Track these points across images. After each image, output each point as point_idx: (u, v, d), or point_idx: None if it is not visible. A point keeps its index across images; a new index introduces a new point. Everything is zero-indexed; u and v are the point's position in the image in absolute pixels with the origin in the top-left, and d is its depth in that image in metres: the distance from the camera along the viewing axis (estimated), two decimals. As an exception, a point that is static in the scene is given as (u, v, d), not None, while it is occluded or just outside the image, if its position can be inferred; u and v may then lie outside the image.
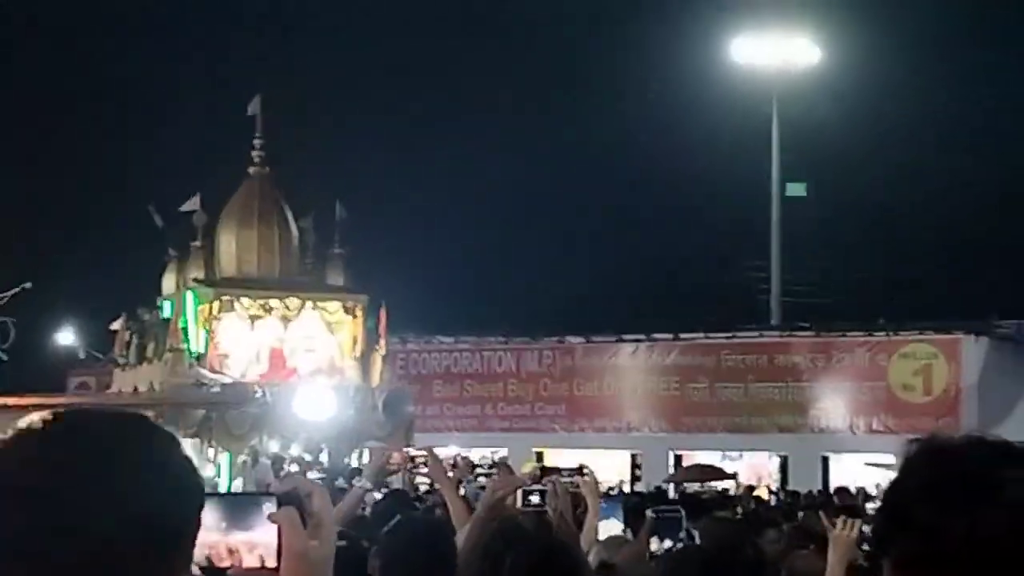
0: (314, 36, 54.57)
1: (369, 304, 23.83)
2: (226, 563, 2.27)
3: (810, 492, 26.68)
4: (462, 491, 10.88)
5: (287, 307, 23.06)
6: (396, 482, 20.53)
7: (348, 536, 6.52)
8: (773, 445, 36.74)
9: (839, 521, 6.50)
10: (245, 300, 22.97)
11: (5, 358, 25.85)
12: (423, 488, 21.52)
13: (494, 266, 48.42)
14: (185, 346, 22.12)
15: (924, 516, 2.13)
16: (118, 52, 53.41)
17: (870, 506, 19.73)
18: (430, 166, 51.33)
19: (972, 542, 2.09)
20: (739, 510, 18.48)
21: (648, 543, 8.02)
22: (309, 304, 23.29)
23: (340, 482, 15.56)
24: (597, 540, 7.84)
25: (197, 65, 52.36)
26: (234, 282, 23.58)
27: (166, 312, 23.65)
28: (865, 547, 7.39)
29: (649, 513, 8.38)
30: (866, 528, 6.65)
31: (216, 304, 22.58)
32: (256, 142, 25.00)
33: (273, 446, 20.93)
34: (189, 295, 22.79)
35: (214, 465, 20.13)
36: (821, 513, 8.07)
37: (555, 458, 35.59)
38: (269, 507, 2.16)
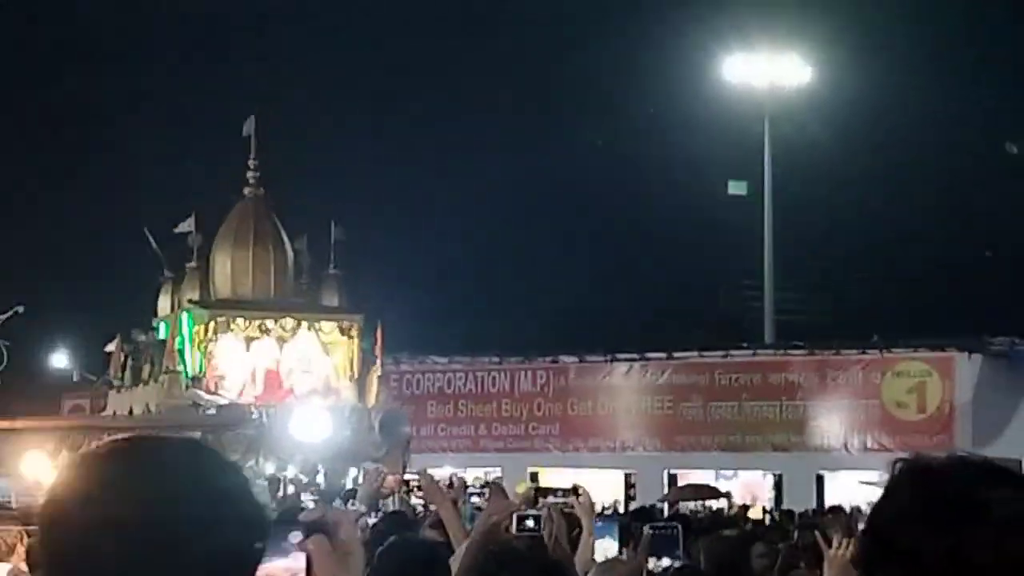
0: (307, 54, 54.61)
1: (365, 324, 23.87)
2: None
3: (805, 512, 26.67)
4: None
5: (283, 328, 23.12)
6: (391, 504, 20.54)
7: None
8: (767, 464, 36.74)
9: (834, 540, 6.54)
10: (241, 321, 23.04)
11: (-1, 382, 25.85)
12: (419, 509, 21.50)
13: (487, 286, 48.45)
14: (181, 368, 22.15)
15: (907, 539, 2.11)
16: (111, 74, 53.48)
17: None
18: (423, 187, 51.38)
19: (956, 563, 2.06)
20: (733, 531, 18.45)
21: (646, 561, 8.03)
22: (305, 325, 23.35)
23: (337, 503, 15.58)
24: (593, 560, 7.86)
25: (191, 86, 52.42)
26: (229, 303, 23.64)
27: (161, 333, 23.68)
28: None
29: (646, 530, 8.39)
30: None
31: (212, 325, 22.64)
32: (251, 163, 25.08)
33: (269, 467, 20.95)
34: (185, 316, 22.85)
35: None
36: (816, 532, 8.10)
37: (549, 478, 35.60)
38: (297, 536, 2.19)
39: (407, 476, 23.45)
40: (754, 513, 29.50)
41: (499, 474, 34.09)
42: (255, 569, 2.07)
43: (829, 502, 30.76)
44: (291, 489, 20.28)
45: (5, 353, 25.83)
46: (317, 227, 25.19)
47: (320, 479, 22.05)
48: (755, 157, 45.56)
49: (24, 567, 9.22)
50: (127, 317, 26.43)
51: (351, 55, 53.82)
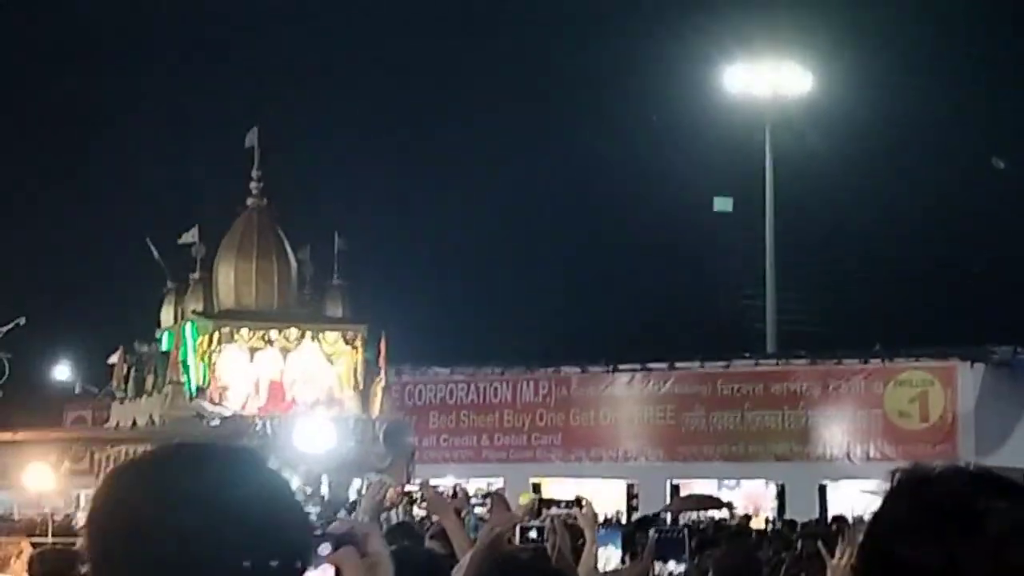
0: (308, 55, 54.67)
1: (368, 334, 23.88)
2: None
3: (808, 521, 26.62)
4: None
5: (286, 338, 23.12)
6: (394, 517, 20.54)
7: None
8: (770, 473, 36.73)
9: (837, 550, 6.55)
10: (245, 332, 23.05)
11: (1, 394, 25.86)
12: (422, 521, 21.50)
13: (489, 296, 48.47)
14: (185, 379, 22.17)
15: (906, 550, 2.10)
16: (114, 85, 53.55)
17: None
18: (425, 198, 51.43)
19: (955, 575, 2.05)
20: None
21: (652, 564, 8.02)
22: (308, 335, 23.35)
23: (341, 514, 15.58)
24: (596, 569, 7.88)
25: (194, 97, 52.47)
26: (233, 314, 23.66)
27: (164, 344, 23.70)
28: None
29: (652, 533, 8.38)
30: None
31: (216, 336, 22.65)
32: (254, 174, 25.12)
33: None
34: (189, 327, 22.86)
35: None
36: (819, 542, 8.11)
37: (552, 488, 35.60)
38: (326, 548, 2.21)
39: (408, 488, 23.47)
40: (756, 523, 29.48)
41: (501, 484, 34.08)
42: (303, 570, 2.08)
43: (832, 512, 30.76)
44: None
45: (7, 365, 25.86)
46: (320, 238, 25.26)
47: (324, 490, 22.05)
48: (756, 165, 45.61)
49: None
50: (129, 329, 26.47)
51: (351, 55, 53.93)
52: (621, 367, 38.66)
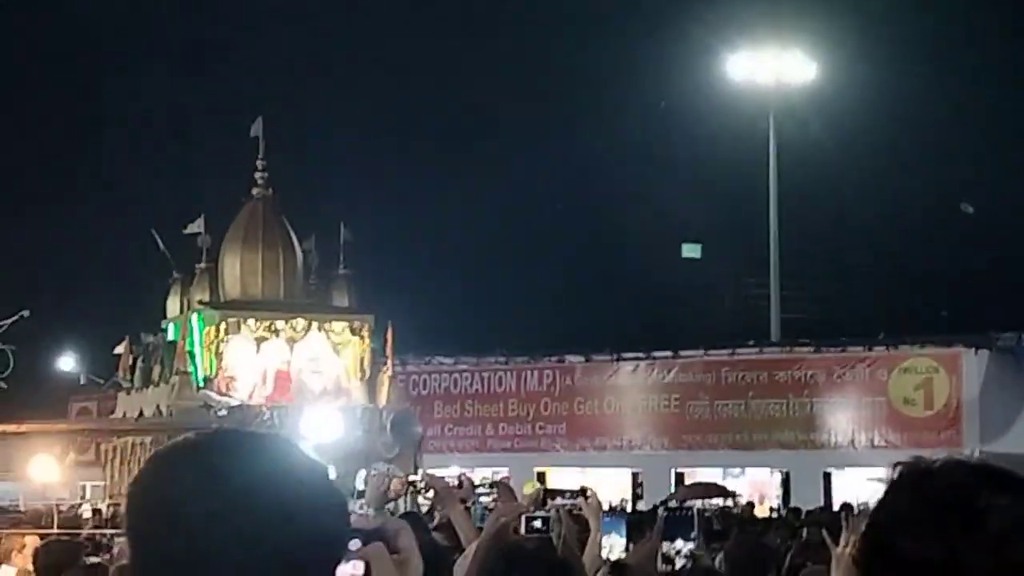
0: (310, 54, 54.68)
1: (375, 324, 23.90)
2: None
3: (813, 509, 26.67)
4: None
5: (293, 328, 23.14)
6: (401, 507, 20.59)
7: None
8: (775, 461, 36.76)
9: (842, 538, 6.58)
10: (252, 322, 23.06)
11: (5, 386, 25.89)
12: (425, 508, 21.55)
13: (493, 286, 48.53)
14: (192, 369, 22.19)
15: (907, 545, 2.11)
16: (119, 77, 53.56)
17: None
18: (430, 188, 51.45)
19: (955, 570, 2.06)
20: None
21: (660, 543, 8.04)
22: (315, 325, 23.35)
23: (353, 505, 15.63)
24: (601, 557, 7.93)
25: (199, 88, 52.50)
26: (239, 304, 23.68)
27: (170, 335, 23.73)
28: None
29: (660, 511, 8.39)
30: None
31: (223, 326, 22.67)
32: (259, 163, 25.13)
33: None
34: (195, 317, 22.88)
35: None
36: (824, 530, 8.14)
37: (556, 477, 35.65)
38: (356, 543, 2.24)
39: (412, 478, 23.49)
40: (761, 511, 29.53)
41: (506, 473, 34.12)
42: (338, 561, 2.10)
43: (837, 499, 30.81)
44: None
45: (11, 357, 25.87)
46: (326, 228, 25.29)
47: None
48: (760, 154, 45.59)
49: (31, 567, 9.25)
50: (134, 319, 26.51)
51: (351, 55, 53.94)
52: (625, 356, 38.68)
